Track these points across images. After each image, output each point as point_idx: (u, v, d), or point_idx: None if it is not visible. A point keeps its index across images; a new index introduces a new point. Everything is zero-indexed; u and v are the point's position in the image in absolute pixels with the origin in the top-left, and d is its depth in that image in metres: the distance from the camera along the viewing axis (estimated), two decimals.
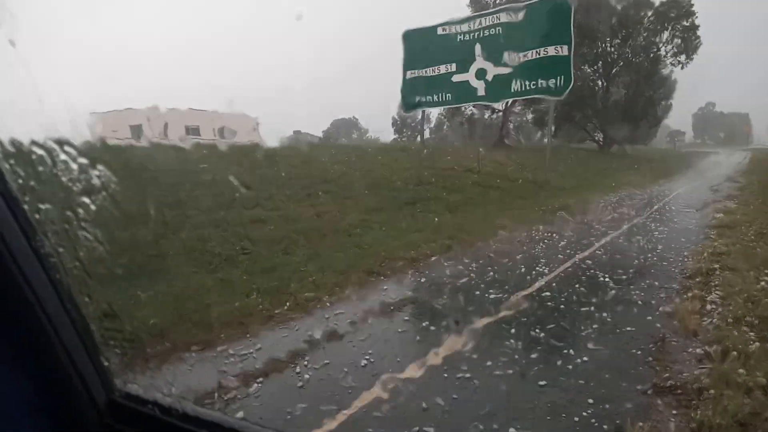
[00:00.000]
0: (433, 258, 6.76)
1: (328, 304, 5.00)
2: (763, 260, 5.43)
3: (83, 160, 1.58)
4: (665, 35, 30.76)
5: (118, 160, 6.43)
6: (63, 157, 1.49)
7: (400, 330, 4.40)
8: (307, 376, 3.51)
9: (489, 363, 3.58)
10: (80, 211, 1.52)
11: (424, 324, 4.45)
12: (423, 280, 5.87)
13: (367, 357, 3.75)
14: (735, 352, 3.31)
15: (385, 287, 5.58)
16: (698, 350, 3.58)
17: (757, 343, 3.44)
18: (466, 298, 5.04)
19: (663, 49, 31.06)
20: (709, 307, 4.41)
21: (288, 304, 4.88)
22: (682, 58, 30.79)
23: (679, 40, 30.57)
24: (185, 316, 4.41)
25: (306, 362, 3.71)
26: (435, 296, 5.20)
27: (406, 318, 4.68)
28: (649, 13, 30.56)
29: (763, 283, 4.68)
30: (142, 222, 5.11)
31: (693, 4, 29.82)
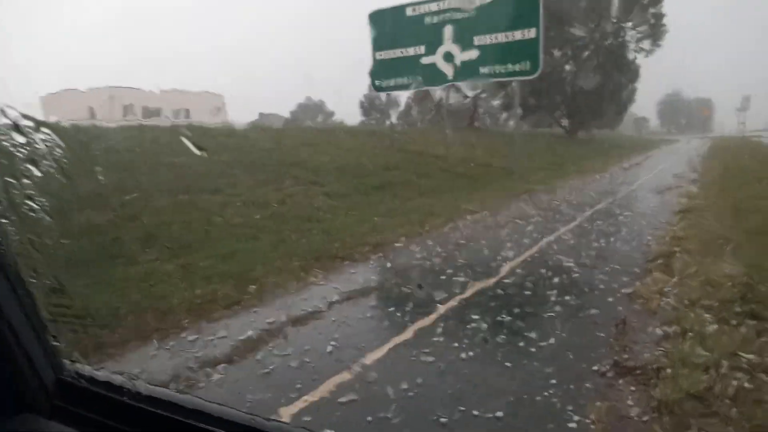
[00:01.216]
0: (401, 243, 6.76)
1: (293, 290, 4.96)
2: (721, 245, 5.56)
3: (32, 137, 1.51)
4: (633, 21, 31.16)
5: (72, 140, 6.22)
6: (13, 134, 1.41)
7: (367, 315, 4.38)
8: (271, 362, 3.46)
9: (455, 345, 3.60)
10: (26, 181, 1.45)
11: (391, 309, 4.45)
12: (390, 265, 5.86)
13: (333, 343, 3.73)
14: (692, 333, 3.39)
15: (352, 272, 5.56)
16: (657, 331, 3.66)
17: (714, 325, 3.52)
18: (434, 283, 5.04)
19: (630, 34, 31.48)
20: (668, 289, 4.50)
21: (252, 289, 4.81)
22: (648, 44, 31.30)
23: (647, 27, 31.02)
24: (145, 302, 4.32)
25: (270, 348, 3.67)
26: (402, 281, 5.21)
27: (373, 303, 4.67)
28: None
29: (722, 266, 4.79)
30: (98, 205, 4.97)
31: None
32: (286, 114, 53.09)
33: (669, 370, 3.03)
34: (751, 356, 3.05)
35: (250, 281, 4.97)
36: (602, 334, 3.74)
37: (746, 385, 2.78)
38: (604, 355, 3.40)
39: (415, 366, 3.36)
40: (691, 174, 14.33)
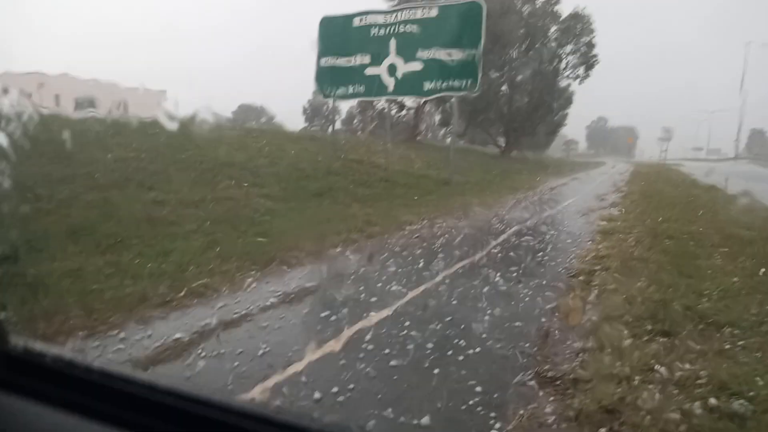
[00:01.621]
0: (339, 249, 6.81)
1: (226, 292, 4.89)
2: (638, 264, 5.93)
3: None
4: (568, 48, 32.85)
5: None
6: None
7: (300, 320, 4.39)
8: (199, 365, 3.42)
9: (386, 352, 3.67)
10: None
11: (324, 314, 4.47)
12: (327, 271, 5.89)
13: (264, 346, 3.72)
14: (609, 347, 3.62)
15: (287, 277, 5.54)
16: (577, 344, 3.86)
17: (629, 340, 3.77)
18: (367, 290, 5.11)
19: (564, 61, 33.13)
20: (588, 304, 4.76)
21: (184, 290, 4.71)
22: (581, 71, 33.04)
23: (580, 55, 32.76)
24: (70, 299, 4.15)
25: (200, 351, 3.61)
26: (338, 287, 5.24)
27: (307, 308, 4.68)
28: (555, 26, 32.47)
29: (638, 284, 5.12)
30: (23, 198, 4.74)
31: (593, 23, 32.12)
32: (228, 114, 52.22)
33: (587, 382, 3.22)
34: (662, 370, 3.29)
35: (182, 282, 4.87)
36: (526, 346, 3.91)
37: (657, 396, 3.00)
38: (527, 365, 3.56)
39: (346, 371, 3.41)
40: (614, 196, 15.11)
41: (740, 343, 3.71)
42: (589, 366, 3.40)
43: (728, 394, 2.98)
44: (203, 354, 3.56)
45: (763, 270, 5.57)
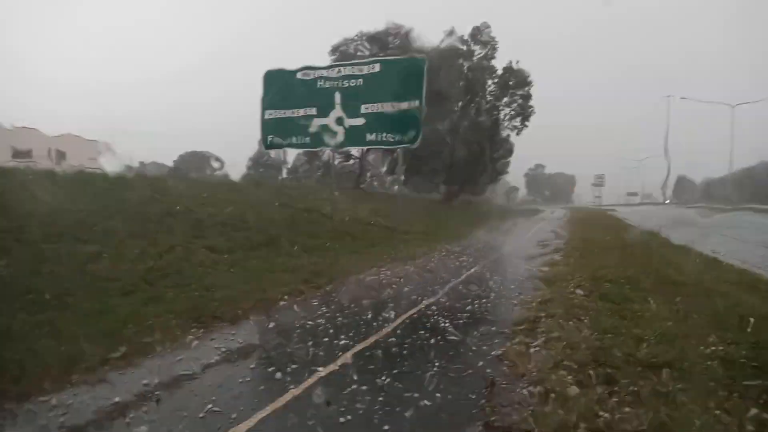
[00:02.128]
0: (284, 302, 6.69)
1: (168, 350, 4.71)
2: (580, 310, 6.10)
3: None
4: (505, 100, 34.38)
5: None
6: None
7: (245, 378, 4.26)
8: (140, 429, 3.26)
9: (333, 409, 3.61)
10: None
11: (270, 371, 4.36)
12: (272, 325, 5.75)
13: (208, 406, 3.59)
14: (554, 394, 3.68)
15: (232, 332, 5.39)
16: (524, 392, 3.91)
17: (574, 387, 3.84)
18: (315, 344, 5.03)
19: (503, 113, 34.60)
20: (533, 351, 4.84)
21: (123, 349, 4.51)
22: (518, 122, 34.57)
23: (517, 106, 34.33)
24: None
25: (141, 414, 3.45)
26: (283, 342, 5.13)
27: (253, 365, 4.55)
28: (493, 80, 34.00)
29: (580, 331, 5.25)
30: None
31: (529, 75, 33.85)
32: (169, 164, 51.29)
33: (534, 430, 3.26)
34: (606, 416, 3.36)
35: (121, 340, 4.66)
36: (474, 396, 3.93)
37: None
38: (476, 416, 3.57)
39: (294, 430, 3.32)
40: (555, 242, 15.59)
41: (678, 385, 3.84)
42: (537, 415, 3.45)
43: None
44: (143, 418, 3.39)
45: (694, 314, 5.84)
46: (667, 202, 64.15)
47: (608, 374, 4.07)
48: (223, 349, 4.81)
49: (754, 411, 3.39)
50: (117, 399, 3.62)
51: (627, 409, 3.43)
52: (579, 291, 7.26)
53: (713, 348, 4.68)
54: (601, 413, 3.39)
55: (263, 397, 3.79)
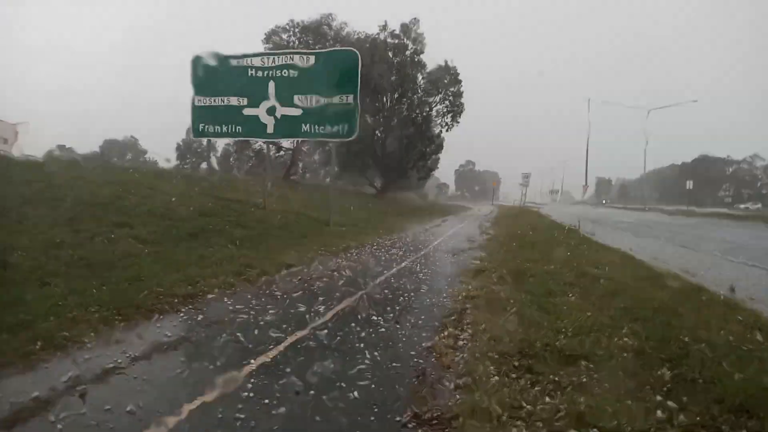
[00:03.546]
0: (214, 294, 6.56)
1: (90, 344, 4.53)
2: (504, 303, 6.36)
3: None
4: (437, 97, 35.01)
5: None
6: None
7: (173, 370, 4.16)
8: (63, 425, 3.13)
9: (266, 402, 3.61)
10: None
11: (199, 363, 4.29)
12: (201, 317, 5.63)
13: (134, 401, 3.49)
14: (480, 385, 3.84)
15: (158, 325, 5.24)
16: (452, 383, 4.05)
17: (497, 377, 4.03)
18: (246, 337, 4.99)
19: (435, 109, 35.22)
20: (461, 343, 5.02)
21: (41, 343, 4.29)
22: (449, 119, 35.30)
23: (448, 103, 35.04)
24: None
25: (63, 410, 3.31)
26: (213, 334, 5.06)
27: (182, 358, 4.46)
28: (424, 75, 34.54)
29: (504, 323, 5.47)
30: None
31: (459, 73, 34.63)
32: (94, 149, 48.76)
33: (460, 419, 3.39)
34: (528, 406, 3.55)
35: (41, 333, 4.44)
36: (403, 388, 4.03)
37: (524, 431, 3.23)
38: (405, 406, 3.67)
39: (224, 423, 3.30)
40: (482, 237, 16.09)
41: (594, 375, 4.10)
42: (463, 405, 3.59)
43: (585, 424, 3.28)
44: (65, 414, 3.26)
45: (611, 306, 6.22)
46: (586, 201, 67.50)
47: (530, 365, 4.28)
48: (150, 342, 4.68)
49: (659, 399, 3.68)
50: (36, 394, 3.45)
51: (548, 399, 3.63)
52: (504, 284, 7.55)
53: (626, 339, 5.02)
54: (523, 403, 3.57)
55: (193, 390, 3.72)
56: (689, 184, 55.28)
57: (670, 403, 3.60)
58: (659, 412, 3.47)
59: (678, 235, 19.12)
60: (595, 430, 3.20)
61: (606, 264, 9.33)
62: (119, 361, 4.21)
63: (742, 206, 47.98)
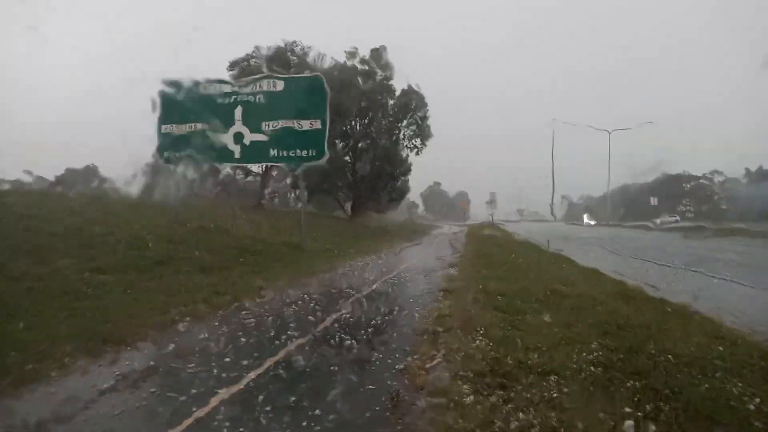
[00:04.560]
0: (184, 323, 6.45)
1: (56, 378, 4.41)
2: (476, 322, 6.41)
3: None
4: (405, 121, 35.44)
5: None
6: None
7: (143, 402, 4.08)
8: None
9: (238, 430, 3.56)
10: None
11: (169, 395, 4.21)
12: (172, 347, 5.53)
13: None
14: (453, 404, 3.86)
15: (126, 357, 5.12)
16: (425, 403, 4.06)
17: (471, 396, 4.06)
18: (218, 366, 4.92)
19: (402, 133, 35.62)
20: (434, 363, 5.03)
21: (6, 379, 4.17)
22: (418, 142, 35.73)
23: (416, 127, 35.49)
24: None
25: None
26: (184, 365, 4.96)
27: (152, 389, 4.36)
28: (392, 101, 34.94)
29: (476, 342, 5.52)
30: None
31: (425, 97, 35.18)
32: (52, 177, 47.46)
33: None
34: (500, 423, 3.58)
35: (3, 369, 4.30)
36: (378, 409, 4.03)
37: None
38: (380, 428, 3.67)
39: None
40: (452, 257, 16.20)
41: (565, 390, 4.17)
42: (437, 425, 3.60)
43: None
44: None
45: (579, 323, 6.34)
46: (554, 219, 68.69)
47: (502, 383, 4.33)
48: (118, 374, 4.57)
49: (628, 410, 3.77)
50: None
51: (520, 415, 3.67)
52: (475, 304, 7.61)
53: (595, 354, 5.13)
54: (495, 420, 3.60)
55: (163, 422, 3.65)
56: (653, 201, 56.78)
57: (638, 414, 3.69)
58: (628, 423, 3.55)
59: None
60: None
61: (574, 280, 9.51)
62: (87, 394, 4.11)
63: (658, 220, 49.66)
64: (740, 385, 4.32)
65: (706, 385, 4.27)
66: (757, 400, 3.98)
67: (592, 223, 59.89)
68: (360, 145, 34.08)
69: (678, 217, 55.43)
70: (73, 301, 6.61)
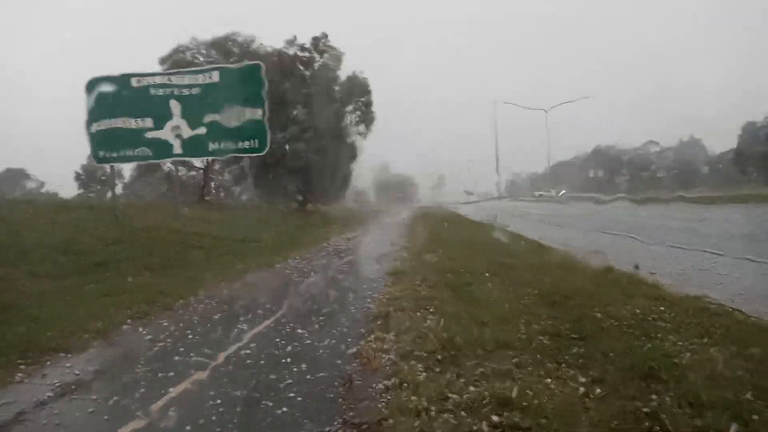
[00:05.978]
0: (128, 326, 6.23)
1: None
2: (427, 302, 6.45)
3: None
4: (350, 107, 35.29)
5: None
6: None
7: (86, 410, 3.90)
8: None
9: (188, 429, 3.47)
10: None
11: (115, 400, 4.05)
12: (116, 351, 5.33)
13: None
14: (406, 384, 3.87)
15: (68, 364, 4.89)
16: (380, 385, 4.04)
17: (424, 374, 4.08)
18: (165, 365, 4.77)
19: (348, 119, 35.46)
20: (387, 345, 5.03)
21: None
22: (363, 128, 35.68)
23: (360, 113, 35.41)
24: None
25: None
26: (128, 368, 4.78)
27: (94, 396, 4.18)
28: (336, 87, 34.67)
29: (428, 321, 5.56)
30: None
31: (369, 83, 35.08)
32: None
33: (390, 420, 3.41)
34: (455, 396, 3.62)
35: None
36: (331, 395, 4.00)
37: (451, 422, 3.29)
38: (334, 414, 3.64)
39: None
40: (402, 241, 16.27)
41: (515, 361, 4.25)
42: (391, 405, 3.60)
43: (510, 408, 3.38)
44: None
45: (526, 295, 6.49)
46: (501, 197, 70.08)
47: (455, 358, 4.37)
48: (58, 384, 4.37)
49: (572, 372, 3.89)
50: None
51: (472, 389, 3.71)
52: (425, 284, 7.66)
53: (543, 323, 5.26)
54: (450, 395, 3.63)
55: (108, 428, 3.51)
56: (592, 173, 58.59)
57: (585, 378, 3.81)
58: (576, 387, 3.66)
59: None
60: (518, 411, 3.31)
61: (521, 254, 9.72)
62: (24, 407, 3.90)
63: (537, 193, 52.49)
64: (679, 342, 4.53)
65: (649, 345, 4.44)
66: (689, 354, 4.19)
67: (541, 194, 61.42)
68: (305, 133, 33.69)
69: (554, 192, 57.80)
70: (5, 309, 6.29)
